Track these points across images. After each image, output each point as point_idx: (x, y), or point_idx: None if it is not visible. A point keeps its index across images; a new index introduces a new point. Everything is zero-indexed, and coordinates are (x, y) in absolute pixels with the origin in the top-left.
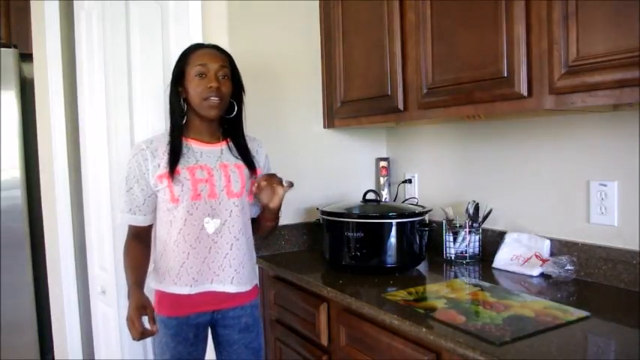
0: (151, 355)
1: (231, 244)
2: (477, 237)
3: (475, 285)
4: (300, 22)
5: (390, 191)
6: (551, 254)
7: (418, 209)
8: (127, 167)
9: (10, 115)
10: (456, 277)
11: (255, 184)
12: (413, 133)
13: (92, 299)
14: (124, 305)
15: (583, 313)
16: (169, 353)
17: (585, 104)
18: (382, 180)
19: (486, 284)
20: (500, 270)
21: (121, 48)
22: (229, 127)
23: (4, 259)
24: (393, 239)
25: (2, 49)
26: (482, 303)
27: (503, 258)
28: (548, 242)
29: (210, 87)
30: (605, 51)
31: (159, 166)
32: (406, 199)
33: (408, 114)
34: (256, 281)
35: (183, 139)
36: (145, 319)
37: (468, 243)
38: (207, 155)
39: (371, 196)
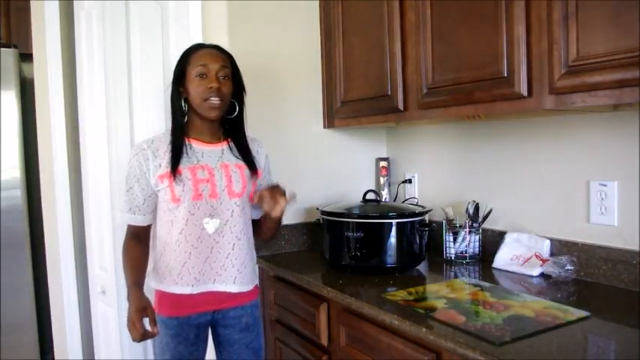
0: (151, 355)
1: (233, 244)
2: (477, 237)
3: (475, 285)
4: (300, 22)
5: (390, 191)
6: (551, 254)
7: (418, 209)
8: (127, 167)
9: (10, 115)
10: (456, 277)
11: (257, 195)
12: (413, 133)
13: (92, 299)
14: (124, 305)
15: (583, 313)
16: (170, 353)
17: (585, 104)
18: (382, 180)
19: (486, 284)
20: (500, 270)
21: (121, 48)
22: (230, 127)
23: (4, 259)
24: (393, 239)
25: (2, 49)
26: (482, 303)
27: (503, 258)
28: (548, 242)
29: (211, 87)
30: (605, 51)
31: (160, 165)
32: (406, 199)
33: (408, 114)
34: (257, 281)
35: (185, 139)
36: (146, 321)
37: (468, 243)
38: (209, 155)
39: (371, 196)
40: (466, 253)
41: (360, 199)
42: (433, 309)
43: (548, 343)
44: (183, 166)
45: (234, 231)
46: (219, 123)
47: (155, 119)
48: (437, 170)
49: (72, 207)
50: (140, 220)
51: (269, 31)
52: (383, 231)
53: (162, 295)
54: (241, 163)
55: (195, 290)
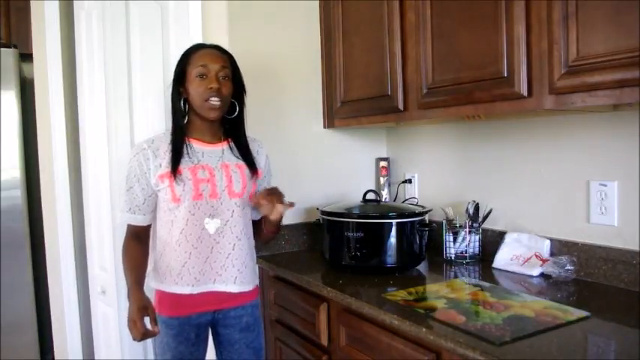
0: (151, 355)
1: (234, 244)
2: (477, 237)
3: (475, 285)
4: (300, 22)
5: (390, 191)
6: (551, 254)
7: (418, 209)
8: (127, 166)
9: (10, 115)
10: (456, 277)
11: (254, 198)
12: (413, 133)
13: (92, 299)
14: (124, 305)
15: (583, 313)
16: (170, 353)
17: (585, 104)
18: (382, 180)
19: (486, 284)
20: (500, 270)
21: (121, 48)
22: (230, 127)
23: (4, 259)
24: (393, 239)
25: (2, 49)
26: (483, 303)
27: (503, 258)
28: (548, 242)
29: (211, 88)
30: (605, 51)
31: (160, 165)
32: (406, 199)
33: (408, 114)
34: (257, 281)
35: (185, 139)
36: (147, 320)
37: (468, 243)
38: (209, 155)
39: (371, 196)
40: (466, 253)
41: (360, 199)
42: (433, 309)
43: (548, 343)
44: (184, 166)
45: (235, 231)
46: (220, 123)
47: (155, 119)
48: (437, 170)
49: (72, 207)
50: (140, 220)
51: (269, 31)
52: (383, 231)
53: (163, 295)
54: (241, 163)
55: (196, 290)
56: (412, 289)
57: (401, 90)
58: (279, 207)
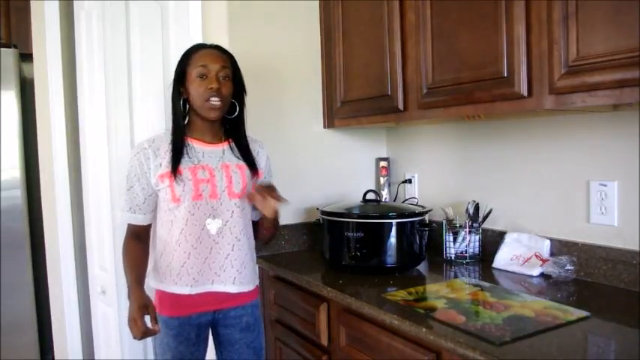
0: (151, 355)
1: (233, 245)
2: (477, 237)
3: (475, 285)
4: (300, 22)
5: (390, 191)
6: (551, 254)
7: (418, 209)
8: (128, 166)
9: (10, 115)
10: (456, 277)
11: (247, 193)
12: (413, 133)
13: (92, 299)
14: (124, 305)
15: (583, 313)
16: (171, 354)
17: (585, 104)
18: (382, 180)
19: (486, 284)
20: (500, 270)
21: (121, 48)
22: (231, 127)
23: (4, 259)
24: (393, 239)
25: (2, 49)
26: (482, 303)
27: (503, 258)
28: (548, 242)
29: (211, 88)
30: (605, 51)
31: (160, 165)
32: (406, 199)
33: (408, 114)
34: (257, 281)
35: (186, 139)
36: (147, 319)
37: (468, 243)
38: (209, 155)
39: (371, 196)
40: (466, 253)
41: (360, 199)
42: (433, 309)
43: (548, 343)
44: (184, 166)
45: (234, 232)
46: (221, 123)
47: (155, 119)
48: (437, 170)
49: (72, 207)
50: (140, 220)
51: (269, 31)
52: (383, 231)
53: (163, 295)
54: (242, 163)
55: (194, 291)
56: (412, 289)
57: (401, 90)
58: (271, 201)
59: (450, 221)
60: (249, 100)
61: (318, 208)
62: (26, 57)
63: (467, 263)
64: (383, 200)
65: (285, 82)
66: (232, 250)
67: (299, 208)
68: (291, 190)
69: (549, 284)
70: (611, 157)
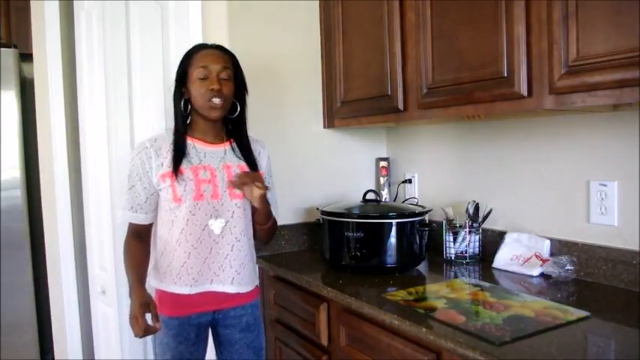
0: (151, 355)
1: (232, 245)
2: (477, 237)
3: (475, 285)
4: (300, 22)
5: (390, 191)
6: (551, 254)
7: (418, 209)
8: (129, 165)
9: (10, 115)
10: (456, 277)
11: (228, 180)
12: (413, 133)
13: (92, 299)
14: (124, 305)
15: (583, 313)
16: (171, 354)
17: (585, 104)
18: (382, 180)
19: (486, 284)
20: (500, 270)
21: (121, 48)
22: (233, 127)
23: (4, 259)
24: (393, 239)
25: (2, 49)
26: (482, 303)
27: (503, 258)
28: (548, 242)
29: (212, 89)
30: (605, 51)
31: (162, 164)
32: (406, 199)
33: (408, 114)
34: (257, 281)
35: (188, 139)
36: (148, 317)
37: (468, 243)
38: (211, 156)
39: (371, 196)
40: (466, 253)
41: (360, 199)
42: (433, 309)
43: (548, 343)
44: (185, 166)
45: (235, 232)
46: (222, 123)
47: (155, 119)
48: (437, 170)
49: (72, 207)
50: (142, 219)
51: (269, 31)
52: (383, 231)
53: (163, 295)
54: (243, 163)
55: (194, 290)
56: (412, 289)
57: (401, 90)
58: (254, 190)
59: (450, 221)
60: (249, 100)
61: (318, 208)
62: (26, 57)
63: (467, 263)
64: (383, 200)
65: (285, 82)
66: (232, 250)
67: (299, 208)
68: (291, 190)
69: (549, 284)
70: (611, 157)
